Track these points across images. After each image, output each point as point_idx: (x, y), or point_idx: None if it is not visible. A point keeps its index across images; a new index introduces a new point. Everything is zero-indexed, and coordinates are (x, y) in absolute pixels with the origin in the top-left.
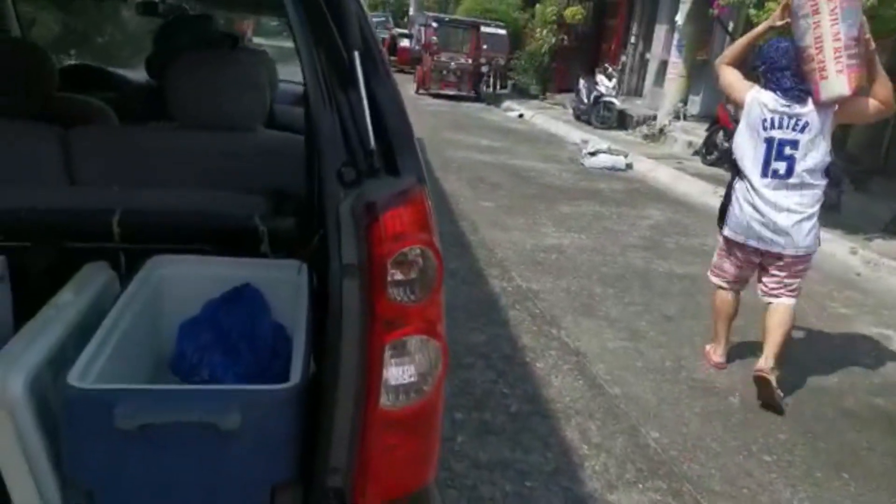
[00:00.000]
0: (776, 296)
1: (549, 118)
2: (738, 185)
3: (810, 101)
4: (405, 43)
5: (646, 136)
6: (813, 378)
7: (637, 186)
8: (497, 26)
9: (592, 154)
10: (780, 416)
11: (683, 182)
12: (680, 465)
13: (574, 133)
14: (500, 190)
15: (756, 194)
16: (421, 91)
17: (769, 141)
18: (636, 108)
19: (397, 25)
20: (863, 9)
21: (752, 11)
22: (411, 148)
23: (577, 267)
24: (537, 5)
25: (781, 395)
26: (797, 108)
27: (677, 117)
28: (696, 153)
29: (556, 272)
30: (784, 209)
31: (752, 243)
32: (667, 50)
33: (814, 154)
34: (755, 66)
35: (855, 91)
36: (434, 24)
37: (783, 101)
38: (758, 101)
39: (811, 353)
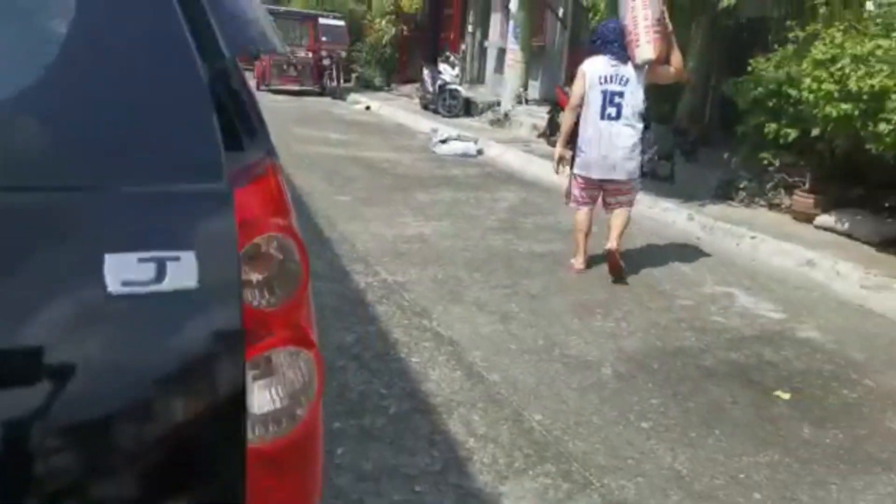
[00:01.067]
0: (616, 207)
1: (396, 109)
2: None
3: (629, 63)
4: None
5: (492, 122)
6: (672, 340)
7: (489, 171)
8: (335, 17)
9: (443, 142)
10: (626, 286)
11: (532, 164)
12: (565, 444)
13: (423, 122)
14: (355, 183)
15: (597, 132)
16: (262, 87)
17: (604, 93)
18: (480, 94)
19: None
20: None
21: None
22: (256, 118)
23: (441, 254)
24: None
25: (624, 265)
26: (621, 69)
27: (520, 102)
28: (540, 135)
29: (421, 262)
30: (617, 145)
31: (593, 175)
32: (503, 37)
33: (634, 102)
34: (593, 41)
35: (658, 57)
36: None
37: (612, 63)
38: (592, 65)
39: (667, 315)
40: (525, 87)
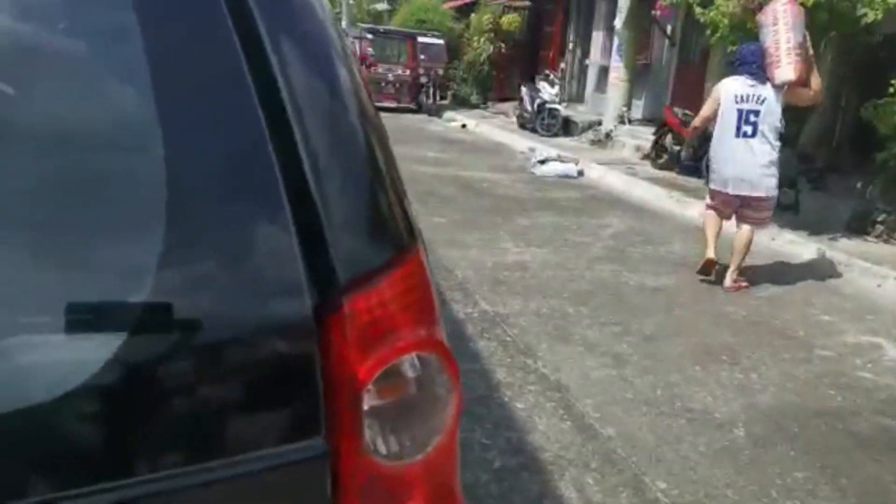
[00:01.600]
0: (746, 222)
1: (492, 127)
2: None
3: (768, 83)
4: None
5: (592, 142)
6: (814, 398)
7: (592, 193)
8: (434, 36)
9: (542, 162)
10: (754, 332)
11: (638, 187)
12: None
13: (520, 141)
14: (451, 204)
15: (731, 150)
16: None
17: (740, 111)
18: (579, 114)
19: None
20: (820, 1)
21: (699, 10)
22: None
23: (544, 285)
24: (472, 14)
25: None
26: (759, 88)
27: (622, 122)
28: (645, 157)
29: (523, 292)
30: (753, 162)
31: (729, 191)
32: (605, 55)
33: (770, 120)
34: (732, 62)
35: (798, 78)
36: (369, 36)
37: (750, 83)
38: (729, 85)
39: (804, 368)
40: (628, 107)
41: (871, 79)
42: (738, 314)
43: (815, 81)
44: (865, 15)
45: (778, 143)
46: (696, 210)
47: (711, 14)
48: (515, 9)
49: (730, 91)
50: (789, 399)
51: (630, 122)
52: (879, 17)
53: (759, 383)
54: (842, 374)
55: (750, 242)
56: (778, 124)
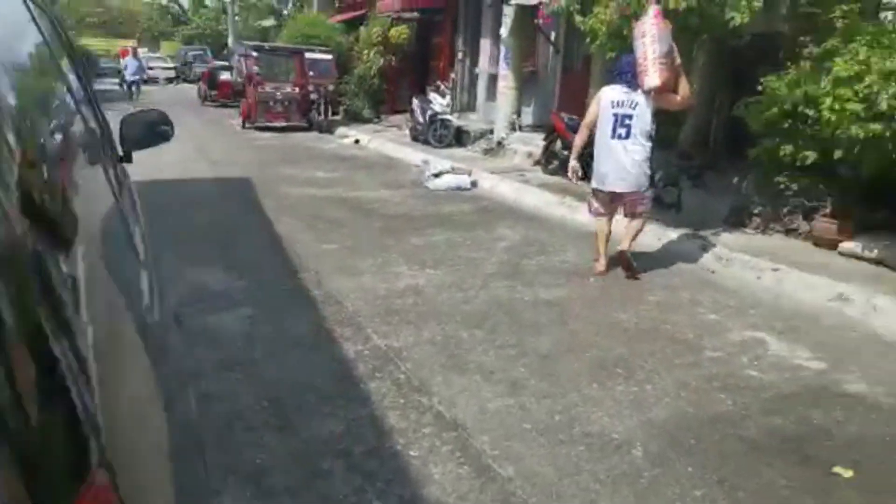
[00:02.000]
0: (633, 217)
1: (385, 141)
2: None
3: (640, 90)
4: (226, 76)
5: (485, 151)
6: (706, 405)
7: (485, 205)
8: (322, 51)
9: (436, 175)
10: (638, 281)
11: (530, 195)
12: None
13: (414, 155)
14: (342, 228)
15: (608, 150)
16: (248, 125)
17: (615, 115)
18: (472, 123)
19: (216, 58)
20: (691, 6)
21: (579, 18)
22: None
23: (439, 309)
24: (361, 27)
25: (635, 263)
26: (632, 95)
27: (513, 129)
28: (536, 163)
29: (417, 320)
30: (627, 160)
31: (607, 189)
32: (494, 64)
33: (641, 124)
34: (612, 71)
35: (664, 85)
36: (254, 54)
37: (624, 90)
38: (608, 92)
39: (695, 373)
40: (518, 114)
41: (742, 79)
42: (631, 322)
43: (683, 88)
44: (733, 18)
45: (649, 144)
46: (587, 214)
47: (590, 22)
48: (404, 20)
49: (607, 97)
50: (683, 409)
51: (521, 129)
52: (746, 20)
53: (653, 395)
54: (731, 374)
55: (641, 227)
56: (648, 127)
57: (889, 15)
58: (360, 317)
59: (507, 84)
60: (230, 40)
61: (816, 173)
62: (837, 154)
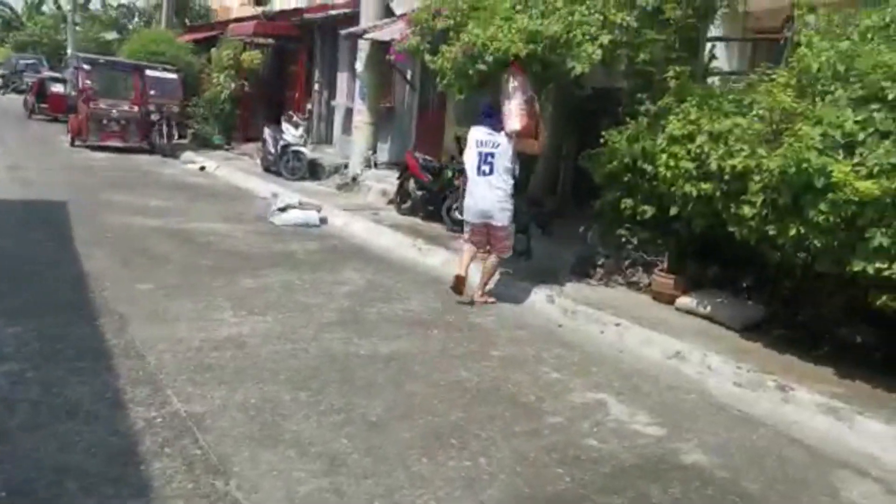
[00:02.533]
0: (493, 251)
1: (234, 170)
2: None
3: (503, 132)
4: (58, 88)
5: (339, 186)
6: (544, 482)
7: (334, 244)
8: (167, 69)
9: (282, 210)
10: (483, 331)
11: (381, 235)
12: None
13: (263, 186)
14: (165, 265)
15: (474, 185)
16: (78, 143)
17: (480, 154)
18: (327, 156)
19: (53, 69)
20: (532, 53)
21: (428, 57)
22: None
23: (261, 365)
24: (213, 49)
25: (465, 294)
26: (495, 136)
27: (368, 165)
28: (390, 202)
29: (232, 378)
30: (491, 195)
31: (475, 220)
32: (351, 97)
33: (503, 162)
34: (479, 113)
35: (524, 129)
36: (87, 67)
37: (488, 131)
38: (474, 132)
39: (535, 443)
40: (374, 150)
41: (587, 129)
42: (472, 381)
43: (542, 135)
44: (574, 68)
45: (511, 181)
46: (437, 258)
47: (439, 62)
48: (258, 45)
49: (473, 137)
50: (519, 489)
51: (376, 165)
52: (586, 69)
53: (488, 471)
54: (570, 444)
55: (494, 267)
56: (509, 164)
57: (716, 80)
58: (162, 374)
59: (362, 119)
60: (69, 50)
61: (654, 228)
62: (673, 210)
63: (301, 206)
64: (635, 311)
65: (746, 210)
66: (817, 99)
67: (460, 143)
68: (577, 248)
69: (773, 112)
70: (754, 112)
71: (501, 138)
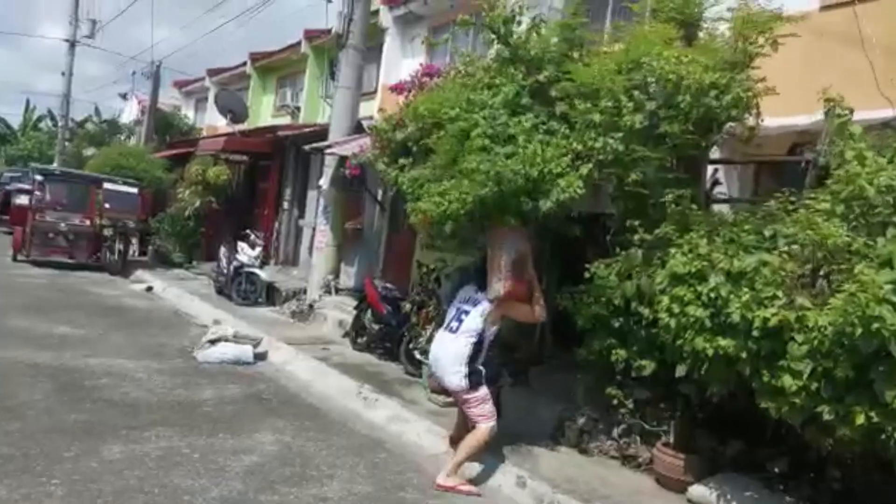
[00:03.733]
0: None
1: (184, 292)
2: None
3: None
4: (22, 200)
5: (294, 314)
6: None
7: (261, 389)
8: (126, 183)
9: (212, 343)
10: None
11: (325, 378)
12: None
13: (208, 311)
14: (13, 421)
15: (439, 339)
16: (20, 258)
17: (457, 308)
18: (289, 280)
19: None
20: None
21: (381, 166)
22: None
23: None
24: (187, 165)
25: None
26: (477, 294)
27: (328, 291)
28: (346, 335)
29: None
30: (445, 353)
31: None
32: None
33: (473, 323)
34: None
35: (510, 294)
36: (39, 178)
37: (475, 289)
38: (463, 290)
39: None
40: (336, 275)
41: (569, 259)
42: None
43: (536, 301)
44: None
45: (471, 342)
46: (384, 411)
47: (393, 174)
48: (228, 161)
49: (459, 293)
50: None
51: (337, 291)
52: (553, 206)
53: None
54: None
55: (473, 444)
56: (478, 326)
57: (724, 207)
58: None
59: (325, 240)
60: (54, 164)
61: (656, 387)
62: (680, 370)
63: (236, 339)
64: (634, 500)
65: (787, 380)
66: (873, 232)
67: (424, 272)
68: (559, 405)
69: (813, 248)
70: (783, 247)
71: (482, 299)
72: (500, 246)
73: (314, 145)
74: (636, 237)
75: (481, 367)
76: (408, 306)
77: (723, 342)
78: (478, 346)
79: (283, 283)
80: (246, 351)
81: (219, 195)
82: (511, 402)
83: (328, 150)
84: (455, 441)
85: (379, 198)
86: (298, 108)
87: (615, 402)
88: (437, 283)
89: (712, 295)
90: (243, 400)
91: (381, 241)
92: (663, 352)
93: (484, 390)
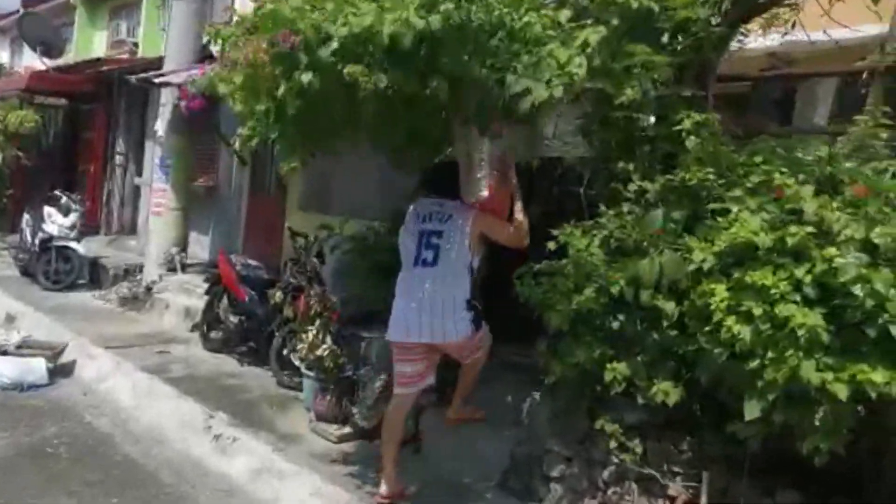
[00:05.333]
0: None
1: None
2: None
3: (458, 201)
4: None
5: (124, 301)
6: None
7: (47, 437)
8: None
9: None
10: None
11: (158, 402)
12: None
13: (2, 301)
14: None
15: (406, 284)
16: None
17: (421, 233)
18: (123, 254)
19: None
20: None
21: (222, 87)
22: None
23: None
24: None
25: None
26: (446, 205)
27: (173, 269)
28: (194, 328)
29: None
30: (435, 298)
31: (405, 339)
32: None
33: (455, 245)
34: (425, 179)
35: (491, 201)
36: None
37: (437, 200)
38: (415, 206)
39: None
40: (183, 248)
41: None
42: None
43: (518, 214)
44: (526, 93)
45: (467, 278)
46: (247, 459)
47: (228, 88)
48: (42, 106)
49: (414, 211)
50: None
51: (184, 269)
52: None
53: None
54: None
55: (473, 374)
56: (465, 251)
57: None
58: None
59: (165, 203)
60: None
61: (659, 407)
62: (753, 410)
63: (21, 349)
64: None
65: None
66: None
67: (298, 240)
68: (507, 431)
69: None
70: None
71: (457, 210)
72: (476, 138)
73: (141, 75)
74: (631, 188)
75: (476, 302)
76: (277, 295)
77: (875, 376)
78: (472, 278)
79: (114, 260)
80: (34, 368)
81: (30, 148)
82: (436, 430)
83: (160, 80)
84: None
85: (236, 146)
86: (137, 45)
87: (603, 432)
88: (320, 258)
89: (837, 285)
90: (13, 459)
91: (243, 202)
92: (686, 363)
93: (484, 328)
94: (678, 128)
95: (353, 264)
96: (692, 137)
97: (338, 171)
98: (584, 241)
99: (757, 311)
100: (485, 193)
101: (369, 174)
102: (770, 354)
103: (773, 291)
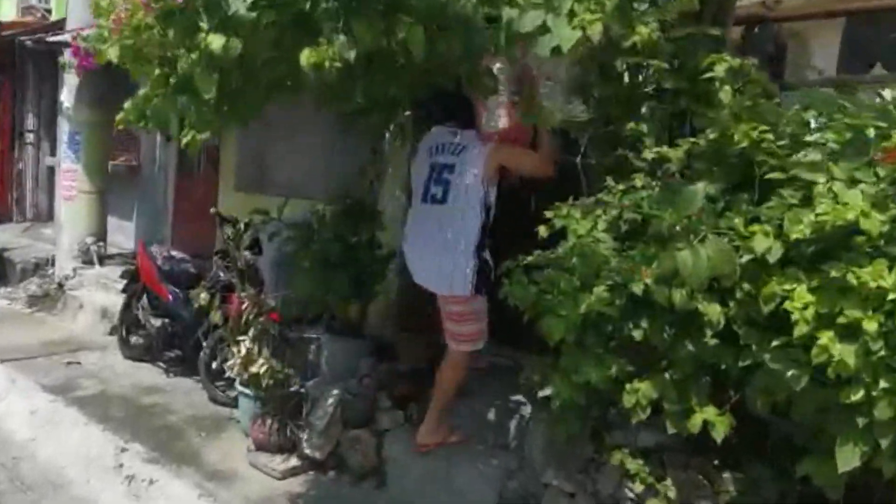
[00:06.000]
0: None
1: None
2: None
3: (473, 131)
4: None
5: (32, 300)
6: None
7: None
8: None
9: None
10: None
11: (60, 432)
12: None
13: None
14: None
15: (415, 220)
16: None
17: (432, 166)
18: (35, 246)
19: None
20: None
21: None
22: None
23: None
24: None
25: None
26: (459, 136)
27: (88, 260)
28: (112, 331)
29: None
30: (435, 237)
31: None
32: None
33: (468, 181)
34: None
35: (512, 130)
36: None
37: (449, 130)
38: (427, 136)
39: None
40: (101, 237)
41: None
42: None
43: (544, 143)
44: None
45: (478, 218)
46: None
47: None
48: None
49: (426, 142)
50: None
51: (102, 261)
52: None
53: None
54: None
55: (453, 377)
56: (479, 188)
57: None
58: None
59: (77, 185)
60: None
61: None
62: (850, 457)
63: None
64: None
65: None
66: None
67: (226, 224)
68: (495, 460)
69: None
70: None
71: (471, 141)
72: (498, 69)
73: (36, 36)
74: (647, 155)
75: (488, 258)
76: (202, 296)
77: None
78: (485, 221)
79: (25, 252)
80: None
81: None
82: (403, 458)
83: (53, 38)
84: None
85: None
86: (49, 11)
87: (620, 466)
88: (256, 249)
89: None
90: None
91: (169, 183)
92: (729, 379)
93: (484, 301)
94: (709, 75)
95: (296, 255)
96: (726, 88)
97: (277, 142)
98: (587, 224)
99: (870, 326)
100: (504, 123)
101: (314, 145)
102: (884, 385)
103: (891, 297)
